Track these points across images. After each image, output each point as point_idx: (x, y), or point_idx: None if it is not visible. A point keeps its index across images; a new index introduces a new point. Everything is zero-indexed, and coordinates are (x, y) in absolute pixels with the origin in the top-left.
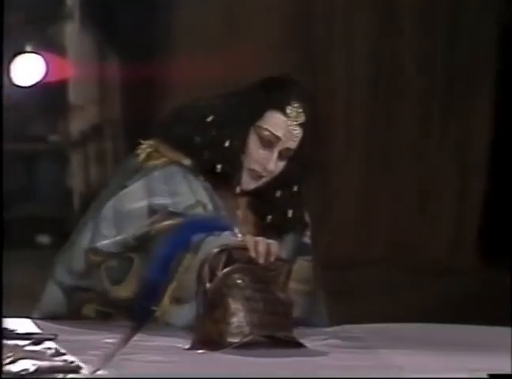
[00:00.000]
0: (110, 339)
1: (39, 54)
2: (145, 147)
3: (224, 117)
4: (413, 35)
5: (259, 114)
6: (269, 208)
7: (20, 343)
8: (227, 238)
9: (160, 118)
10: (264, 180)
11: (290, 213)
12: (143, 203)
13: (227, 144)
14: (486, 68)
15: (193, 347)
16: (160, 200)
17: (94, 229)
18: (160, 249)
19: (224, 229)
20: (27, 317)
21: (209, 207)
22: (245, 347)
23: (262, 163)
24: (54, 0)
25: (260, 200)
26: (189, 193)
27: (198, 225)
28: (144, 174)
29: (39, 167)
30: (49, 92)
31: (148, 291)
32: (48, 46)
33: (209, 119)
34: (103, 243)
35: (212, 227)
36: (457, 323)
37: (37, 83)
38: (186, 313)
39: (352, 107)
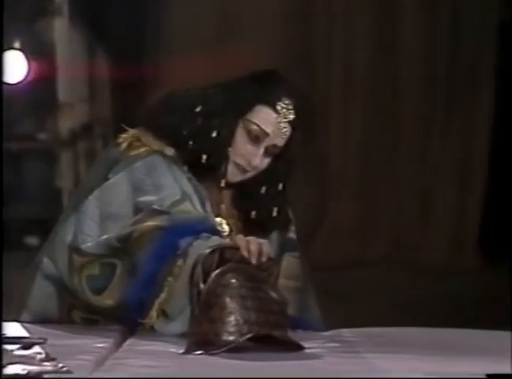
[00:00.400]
0: (100, 343)
1: (27, 50)
2: (127, 136)
3: (213, 107)
4: (413, 35)
5: (249, 106)
6: (254, 203)
7: (10, 347)
8: (215, 241)
9: (147, 105)
10: (249, 175)
11: (275, 212)
12: (127, 199)
13: (214, 134)
14: (487, 68)
15: (188, 350)
16: (144, 197)
17: (77, 224)
18: (146, 260)
19: (209, 230)
20: (16, 321)
21: (195, 199)
22: (240, 350)
23: (248, 157)
24: None
25: (245, 195)
26: (174, 186)
27: (184, 229)
28: (126, 165)
29: (27, 166)
30: (38, 90)
31: (134, 306)
32: (36, 42)
33: (198, 109)
34: (88, 245)
35: (198, 229)
36: (457, 323)
37: (25, 80)
38: (175, 327)
39: (353, 107)
